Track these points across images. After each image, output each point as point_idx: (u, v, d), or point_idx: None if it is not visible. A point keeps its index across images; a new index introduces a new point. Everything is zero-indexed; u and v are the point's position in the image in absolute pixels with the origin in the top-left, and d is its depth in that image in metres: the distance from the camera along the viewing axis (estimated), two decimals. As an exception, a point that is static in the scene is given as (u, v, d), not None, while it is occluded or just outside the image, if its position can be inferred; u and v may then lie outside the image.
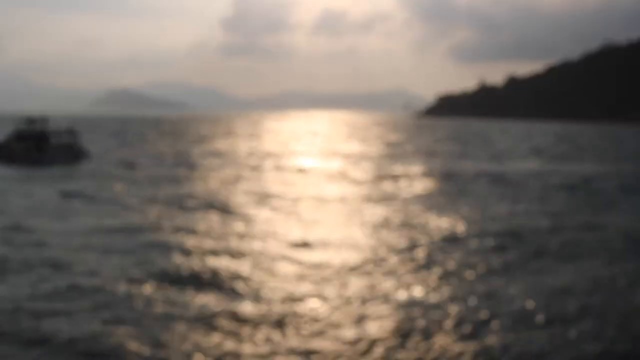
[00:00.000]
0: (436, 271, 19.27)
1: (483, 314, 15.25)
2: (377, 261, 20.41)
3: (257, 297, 16.47)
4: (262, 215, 29.11)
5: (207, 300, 16.30)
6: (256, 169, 52.25)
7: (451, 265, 19.97)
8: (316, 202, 33.55)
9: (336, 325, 14.59)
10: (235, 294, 16.77)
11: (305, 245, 22.57)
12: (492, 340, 13.77)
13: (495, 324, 14.64)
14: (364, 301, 16.29)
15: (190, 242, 22.83)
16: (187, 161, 58.62)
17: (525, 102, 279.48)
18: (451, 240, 23.77)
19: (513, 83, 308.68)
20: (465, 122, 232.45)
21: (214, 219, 28.03)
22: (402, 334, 14.10)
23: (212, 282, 17.88)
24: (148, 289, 17.01)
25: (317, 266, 19.61)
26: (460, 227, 26.11)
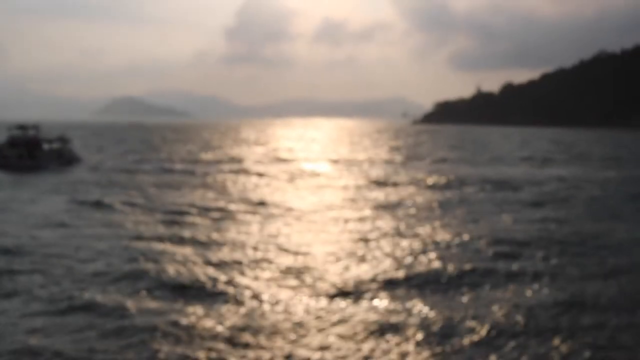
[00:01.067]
0: (433, 277, 19.76)
1: (465, 321, 15.50)
2: (369, 267, 21.02)
3: (252, 304, 17.07)
4: (265, 224, 29.39)
5: (202, 308, 16.70)
6: (260, 175, 52.53)
7: (445, 270, 20.46)
8: (317, 209, 33.99)
9: (328, 330, 15.11)
10: (232, 303, 17.19)
11: (300, 252, 22.84)
12: (473, 346, 14.19)
13: (478, 331, 14.99)
14: (351, 306, 16.94)
15: (185, 251, 22.98)
16: (188, 168, 58.86)
17: (522, 108, 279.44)
18: (447, 245, 24.22)
19: (509, 90, 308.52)
20: (463, 128, 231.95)
21: (212, 226, 28.40)
22: (379, 335, 14.60)
23: (207, 290, 18.05)
24: (140, 297, 17.43)
25: (313, 274, 20.21)
26: (456, 234, 26.42)
